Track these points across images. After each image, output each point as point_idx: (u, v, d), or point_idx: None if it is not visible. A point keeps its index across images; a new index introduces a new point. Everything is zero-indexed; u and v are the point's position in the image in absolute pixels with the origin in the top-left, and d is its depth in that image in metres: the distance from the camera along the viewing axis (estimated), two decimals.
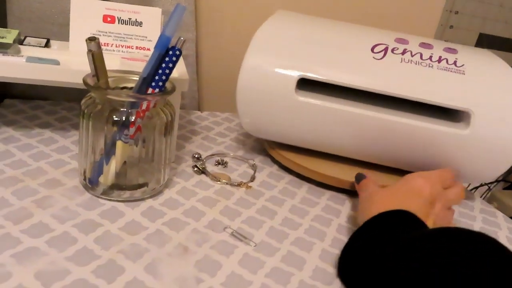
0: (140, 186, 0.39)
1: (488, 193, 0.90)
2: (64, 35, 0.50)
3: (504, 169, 0.44)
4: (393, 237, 0.31)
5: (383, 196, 0.38)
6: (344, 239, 0.38)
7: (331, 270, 0.34)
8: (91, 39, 0.34)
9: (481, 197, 0.92)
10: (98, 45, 0.34)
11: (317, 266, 0.34)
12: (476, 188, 0.90)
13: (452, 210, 0.40)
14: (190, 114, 0.61)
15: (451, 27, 0.83)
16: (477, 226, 0.45)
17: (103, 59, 0.36)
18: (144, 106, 0.36)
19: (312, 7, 0.71)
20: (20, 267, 0.29)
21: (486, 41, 0.87)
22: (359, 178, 0.43)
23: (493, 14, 0.85)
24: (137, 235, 0.34)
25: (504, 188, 0.93)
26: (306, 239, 0.37)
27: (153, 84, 0.37)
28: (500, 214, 0.49)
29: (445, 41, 0.84)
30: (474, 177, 0.46)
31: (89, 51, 0.34)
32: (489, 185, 0.90)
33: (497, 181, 0.92)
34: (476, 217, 0.47)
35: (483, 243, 0.28)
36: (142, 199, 0.39)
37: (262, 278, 0.32)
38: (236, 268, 0.32)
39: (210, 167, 0.47)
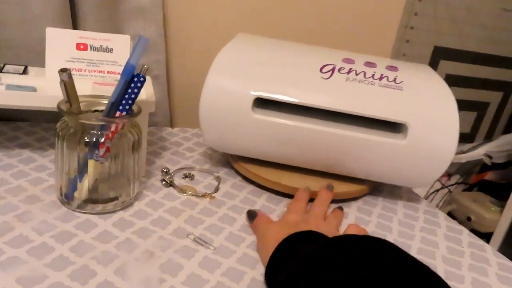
0: (112, 199, 0.43)
1: (448, 195, 0.97)
2: (40, 62, 0.54)
3: (438, 174, 0.50)
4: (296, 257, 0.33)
5: (275, 229, 0.40)
6: None
7: None
8: (63, 70, 0.38)
9: (442, 198, 0.98)
10: (70, 75, 0.39)
11: None
12: (437, 190, 0.97)
13: (333, 218, 0.45)
14: (162, 131, 0.66)
15: (407, 41, 0.90)
16: (418, 225, 0.50)
17: (74, 87, 0.40)
18: (113, 128, 0.41)
19: (271, 27, 0.77)
20: (3, 273, 0.33)
21: (440, 53, 0.94)
22: (252, 216, 0.44)
23: (446, 28, 0.92)
24: (108, 243, 0.38)
25: (464, 190, 0.99)
26: None
27: (121, 108, 0.41)
28: (441, 214, 0.54)
29: (402, 54, 0.91)
30: (413, 182, 0.51)
31: (62, 81, 0.39)
32: (449, 187, 0.97)
33: (457, 183, 0.98)
34: (419, 218, 0.52)
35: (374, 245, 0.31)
36: (114, 211, 0.43)
37: (219, 277, 0.36)
38: (196, 269, 0.37)
39: (178, 180, 0.52)
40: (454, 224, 0.52)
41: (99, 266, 0.35)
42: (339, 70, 0.51)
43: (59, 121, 0.42)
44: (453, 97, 0.50)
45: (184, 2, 0.69)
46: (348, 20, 0.82)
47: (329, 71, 0.51)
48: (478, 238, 0.49)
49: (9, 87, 0.45)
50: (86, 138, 0.40)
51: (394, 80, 0.51)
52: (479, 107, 1.04)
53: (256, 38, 0.58)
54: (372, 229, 0.48)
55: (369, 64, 0.53)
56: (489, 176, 0.97)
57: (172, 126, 0.73)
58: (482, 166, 0.97)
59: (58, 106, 0.40)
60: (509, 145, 0.92)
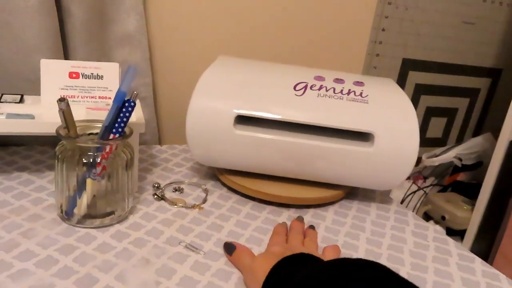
0: (108, 214, 0.47)
1: (424, 196, 1.03)
2: (35, 90, 0.58)
3: (403, 177, 0.55)
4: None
5: (262, 260, 0.40)
6: None
7: None
8: (61, 100, 0.43)
9: (419, 200, 1.04)
10: (67, 104, 0.43)
11: None
12: (414, 192, 1.03)
13: (310, 242, 0.47)
14: (151, 149, 0.70)
15: (377, 55, 0.97)
16: (389, 224, 0.56)
17: (71, 114, 0.44)
18: (107, 149, 0.45)
19: (249, 49, 0.83)
20: (15, 284, 0.36)
21: (408, 65, 1.01)
22: (230, 249, 0.44)
23: (412, 42, 0.99)
24: (107, 253, 0.42)
25: (438, 191, 1.06)
26: (246, 245, 0.47)
27: (114, 130, 0.46)
28: (410, 214, 0.59)
29: (374, 67, 0.97)
30: (381, 185, 0.57)
31: (60, 109, 0.43)
32: (424, 189, 1.02)
33: (431, 184, 1.04)
34: (390, 217, 0.58)
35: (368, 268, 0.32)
36: (111, 225, 0.47)
37: (209, 277, 0.41)
38: (188, 272, 0.41)
39: (168, 193, 0.56)
40: (421, 222, 0.57)
41: (101, 274, 0.39)
42: (311, 87, 0.57)
43: (58, 145, 0.46)
44: (413, 107, 0.56)
45: (166, 28, 0.74)
46: (322, 38, 0.88)
47: (302, 88, 0.56)
48: (443, 233, 0.55)
49: (10, 116, 0.49)
50: (83, 159, 0.44)
51: (361, 94, 0.56)
52: (448, 113, 1.11)
53: (235, 60, 0.63)
54: (347, 230, 0.53)
55: (338, 80, 0.59)
56: (461, 177, 1.04)
57: (160, 143, 0.77)
58: (453, 168, 1.03)
59: (57, 132, 0.44)
60: (477, 147, 0.99)
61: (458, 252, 0.50)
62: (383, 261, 0.47)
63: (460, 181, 1.03)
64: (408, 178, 1.07)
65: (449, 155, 0.98)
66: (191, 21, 0.76)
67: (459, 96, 1.10)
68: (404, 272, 0.45)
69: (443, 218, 0.94)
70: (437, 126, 1.11)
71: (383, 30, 0.94)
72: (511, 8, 1.04)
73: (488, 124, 1.15)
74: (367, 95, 0.56)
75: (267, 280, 0.36)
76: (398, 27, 0.96)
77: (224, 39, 0.80)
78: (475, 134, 1.14)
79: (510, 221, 0.86)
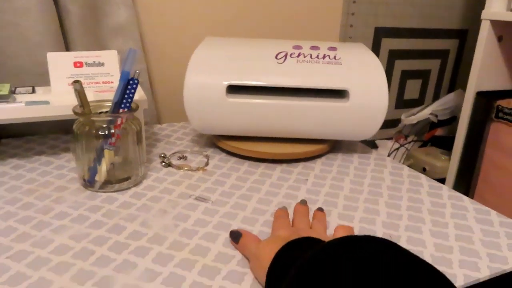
0: (125, 179, 0.54)
1: (406, 152, 1.11)
2: (44, 82, 0.65)
3: (377, 127, 0.63)
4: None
5: (267, 245, 0.38)
6: (276, 190, 0.55)
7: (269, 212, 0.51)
8: (76, 82, 0.49)
9: (402, 156, 1.12)
10: (81, 85, 0.50)
11: (256, 208, 0.51)
12: (397, 149, 1.11)
13: (318, 224, 0.45)
14: (153, 128, 0.77)
15: (351, 26, 1.04)
16: (369, 168, 0.63)
17: (85, 94, 0.51)
18: (119, 122, 0.52)
19: (232, 28, 0.89)
20: (57, 236, 0.43)
21: (381, 33, 1.08)
22: (236, 236, 0.43)
23: (382, 11, 1.07)
24: (130, 208, 0.49)
25: (419, 147, 1.14)
26: (247, 193, 0.54)
27: (123, 105, 0.53)
28: (388, 159, 0.67)
29: (349, 37, 1.05)
30: (357, 136, 0.64)
31: (75, 90, 0.50)
32: (406, 146, 1.11)
33: (412, 141, 1.13)
34: (370, 163, 0.65)
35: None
36: (128, 188, 0.54)
37: (218, 218, 0.48)
38: (200, 216, 0.48)
39: (174, 161, 0.63)
40: (398, 164, 0.65)
41: (127, 223, 0.46)
42: (290, 55, 0.64)
43: (74, 123, 0.53)
44: (381, 65, 0.63)
45: (155, 16, 0.81)
46: (298, 14, 0.95)
47: (282, 57, 0.63)
48: (412, 170, 0.63)
49: (28, 103, 0.56)
50: (100, 132, 0.51)
51: (334, 57, 0.64)
52: (422, 75, 1.19)
53: (221, 39, 0.70)
54: (334, 175, 0.61)
55: (314, 47, 0.66)
56: (439, 132, 1.12)
57: (160, 123, 0.84)
58: (431, 124, 1.11)
59: (74, 110, 0.51)
60: (450, 103, 1.07)
61: (430, 184, 0.59)
62: (364, 195, 0.55)
63: (438, 136, 1.12)
64: (391, 138, 1.15)
65: (426, 113, 1.06)
66: (176, 8, 0.83)
67: (431, 58, 1.18)
68: (382, 201, 0.53)
69: (424, 169, 1.03)
70: (413, 88, 1.19)
71: (354, 2, 1.01)
72: None
73: (460, 82, 1.24)
74: (340, 58, 0.64)
75: (272, 266, 0.35)
76: None
77: (209, 21, 0.86)
78: (449, 92, 1.23)
79: (483, 166, 0.95)
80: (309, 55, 0.64)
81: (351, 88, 0.61)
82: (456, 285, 0.36)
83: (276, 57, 0.63)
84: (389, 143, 1.12)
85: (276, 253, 0.36)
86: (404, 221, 0.49)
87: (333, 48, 0.66)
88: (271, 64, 0.62)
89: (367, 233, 0.45)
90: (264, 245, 0.39)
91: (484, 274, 0.39)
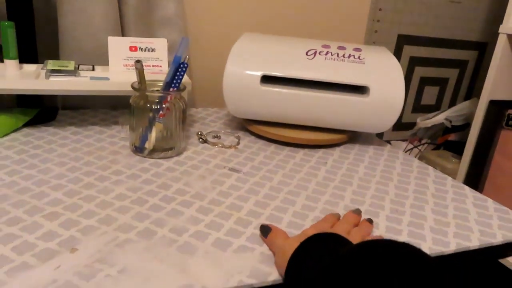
0: (169, 149, 0.63)
1: (419, 154, 1.17)
2: (101, 63, 0.74)
3: (392, 121, 0.70)
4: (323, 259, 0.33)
5: (293, 240, 0.39)
6: (298, 169, 0.63)
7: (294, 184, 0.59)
8: (138, 61, 0.58)
9: (415, 156, 1.19)
10: (141, 64, 0.59)
11: (281, 181, 0.59)
12: (411, 149, 1.17)
13: (358, 231, 0.44)
14: (189, 111, 0.86)
15: (376, 31, 1.11)
16: (383, 158, 0.71)
17: (144, 72, 0.60)
18: (168, 98, 0.61)
19: (269, 27, 0.98)
20: (116, 187, 0.52)
21: (403, 40, 1.15)
22: (265, 231, 0.43)
23: (406, 19, 1.13)
24: (174, 172, 0.58)
25: (432, 149, 1.20)
26: (273, 169, 0.62)
27: (173, 85, 0.62)
28: (401, 152, 0.75)
29: (373, 42, 1.12)
30: (374, 128, 0.72)
31: (136, 68, 0.59)
32: (419, 148, 1.17)
33: (426, 143, 1.19)
34: (384, 154, 0.73)
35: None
36: (171, 157, 0.63)
37: (249, 186, 0.56)
38: (233, 183, 0.56)
39: (209, 139, 0.72)
40: (410, 157, 0.73)
41: (173, 183, 0.55)
42: (319, 52, 0.72)
43: (131, 98, 0.62)
44: (400, 67, 0.71)
45: (199, 11, 0.90)
46: (328, 18, 1.03)
47: (312, 53, 0.71)
48: (422, 163, 0.70)
49: (92, 78, 0.65)
50: (152, 106, 0.60)
51: (359, 57, 0.71)
52: (440, 82, 1.26)
53: (258, 35, 0.78)
54: (350, 161, 0.68)
55: (341, 47, 0.74)
56: (452, 137, 1.18)
57: (195, 107, 0.93)
58: (445, 129, 1.17)
59: (132, 86, 0.60)
60: (465, 110, 1.13)
61: (436, 175, 0.66)
62: (376, 179, 0.62)
63: (451, 141, 1.18)
64: (406, 140, 1.22)
65: (440, 117, 1.12)
66: (219, 5, 0.91)
67: (450, 67, 1.24)
68: (392, 184, 0.61)
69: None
70: (430, 94, 1.25)
71: (380, 10, 1.09)
72: None
73: (477, 92, 1.29)
74: (364, 58, 0.71)
75: (292, 258, 0.36)
76: (393, 6, 1.10)
77: (247, 18, 0.95)
78: (465, 100, 1.28)
79: (491, 170, 1.01)
80: (336, 54, 0.72)
81: (371, 85, 0.68)
82: (448, 250, 0.44)
83: (306, 54, 0.71)
84: (403, 144, 1.19)
85: (299, 245, 0.36)
86: (410, 200, 0.56)
87: (358, 49, 0.73)
88: (301, 59, 0.70)
89: (376, 208, 0.53)
90: (292, 241, 0.39)
91: (474, 244, 0.46)
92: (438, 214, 0.53)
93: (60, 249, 0.39)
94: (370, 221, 0.47)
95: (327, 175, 0.62)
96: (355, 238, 0.40)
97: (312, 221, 0.48)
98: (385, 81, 0.69)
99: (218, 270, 0.38)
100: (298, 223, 0.48)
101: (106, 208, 0.47)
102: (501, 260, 0.99)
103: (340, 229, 0.42)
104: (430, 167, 0.69)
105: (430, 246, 0.45)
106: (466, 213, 0.54)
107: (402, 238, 0.47)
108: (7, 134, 0.65)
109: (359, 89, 0.70)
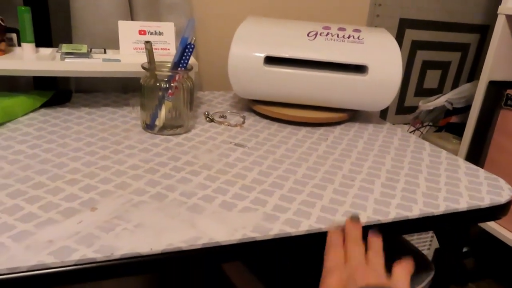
0: (178, 126, 0.67)
1: (421, 136, 1.20)
2: (112, 46, 0.78)
3: (390, 99, 0.73)
4: None
5: None
6: (300, 144, 0.66)
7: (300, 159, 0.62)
8: (147, 42, 0.62)
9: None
10: (151, 45, 0.62)
11: (283, 154, 0.62)
12: (413, 131, 1.20)
13: (375, 259, 0.41)
14: (196, 93, 0.89)
15: (378, 16, 1.13)
16: (381, 135, 0.74)
17: (153, 53, 0.64)
18: (177, 78, 0.64)
19: (272, 10, 1.00)
20: (130, 159, 0.56)
21: (405, 24, 1.17)
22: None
23: (408, 3, 1.15)
24: (183, 147, 0.62)
25: (434, 132, 1.23)
26: (277, 144, 0.66)
27: (180, 65, 0.65)
28: (399, 130, 0.78)
29: (375, 26, 1.14)
30: (373, 106, 0.75)
31: (146, 49, 0.62)
32: (421, 130, 1.20)
33: (427, 125, 1.22)
34: (383, 131, 0.76)
35: None
36: (180, 134, 0.67)
37: (253, 158, 0.60)
38: (239, 156, 0.60)
39: (216, 118, 0.75)
40: (406, 133, 0.76)
41: (182, 155, 0.59)
42: (320, 34, 0.75)
43: (142, 78, 0.65)
44: (397, 46, 0.73)
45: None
46: (331, 1, 1.05)
47: (313, 35, 0.74)
48: (419, 139, 0.73)
49: (105, 60, 0.69)
50: (162, 84, 0.64)
51: (358, 37, 0.74)
52: (442, 66, 1.27)
53: (261, 18, 0.81)
54: (350, 137, 0.71)
55: (341, 29, 0.76)
56: (453, 119, 1.20)
57: (202, 90, 0.96)
58: (446, 112, 1.20)
59: (143, 66, 0.64)
60: (466, 93, 1.15)
61: (432, 149, 0.69)
62: (374, 152, 0.65)
63: (453, 123, 1.20)
64: (407, 123, 1.24)
65: (441, 100, 1.15)
66: None
67: (452, 50, 1.26)
68: (389, 157, 0.64)
69: None
70: (433, 77, 1.27)
71: None
72: None
73: (478, 75, 1.31)
74: (363, 38, 0.74)
75: None
76: None
77: (251, 2, 0.98)
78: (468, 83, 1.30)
79: (490, 149, 1.04)
80: (336, 35, 0.74)
81: (369, 64, 0.71)
82: (437, 211, 0.47)
83: (307, 35, 0.74)
84: (406, 127, 1.21)
85: None
86: (405, 170, 0.59)
87: (357, 30, 0.76)
88: (303, 40, 0.73)
89: (372, 177, 0.56)
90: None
91: (462, 206, 0.50)
92: (431, 182, 0.56)
93: (81, 208, 0.43)
94: (376, 233, 0.43)
95: (327, 149, 0.65)
96: (377, 269, 0.39)
97: (311, 187, 0.52)
98: (383, 60, 0.72)
99: (224, 226, 0.42)
100: (298, 189, 0.51)
101: (121, 176, 0.51)
102: (488, 223, 1.02)
103: (356, 260, 0.40)
104: (427, 142, 0.72)
105: (420, 208, 0.49)
106: (457, 180, 0.57)
107: (395, 201, 0.50)
108: (26, 114, 0.69)
109: (359, 68, 0.73)
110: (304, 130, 0.73)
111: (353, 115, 0.81)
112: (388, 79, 0.71)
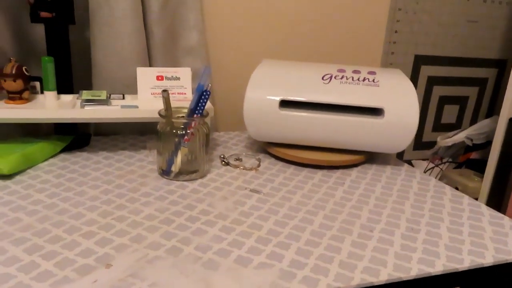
0: (194, 171, 0.67)
1: (440, 173, 1.17)
2: (131, 90, 0.80)
3: (408, 142, 0.72)
4: None
5: None
6: (317, 189, 0.65)
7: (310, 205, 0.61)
8: (164, 91, 0.63)
9: (437, 175, 1.19)
10: (168, 94, 0.64)
11: (299, 201, 0.61)
12: (432, 169, 1.18)
13: None
14: (212, 134, 0.90)
15: (392, 53, 1.14)
16: (400, 178, 0.72)
17: (170, 101, 0.65)
18: (193, 124, 0.65)
19: (286, 53, 1.02)
20: (145, 207, 0.56)
21: (420, 60, 1.17)
22: None
23: (422, 40, 1.16)
24: (198, 194, 0.62)
25: (454, 168, 1.20)
26: (292, 189, 0.65)
27: (197, 112, 0.66)
28: (418, 171, 0.76)
29: (390, 64, 1.14)
30: (389, 148, 0.74)
31: (163, 97, 0.63)
32: (440, 167, 1.17)
33: (447, 162, 1.19)
34: (401, 174, 0.74)
35: None
36: (195, 179, 0.67)
37: (269, 206, 0.59)
38: (254, 203, 0.60)
39: (231, 161, 0.75)
40: (427, 176, 0.74)
41: (197, 204, 0.59)
42: (335, 77, 0.75)
43: (158, 124, 0.66)
44: (414, 88, 0.73)
45: (221, 40, 0.95)
46: (344, 41, 1.06)
47: (328, 78, 0.75)
48: (443, 184, 0.71)
49: (123, 106, 0.70)
50: (178, 131, 0.64)
51: (373, 80, 0.74)
52: (460, 101, 1.26)
53: (276, 61, 0.82)
54: (367, 181, 0.70)
55: (356, 71, 0.77)
56: (473, 155, 1.18)
57: (218, 131, 0.97)
58: (466, 148, 1.17)
59: (159, 113, 0.65)
60: (485, 128, 1.13)
61: (453, 193, 0.67)
62: (393, 198, 0.64)
63: (473, 159, 1.17)
64: (427, 159, 1.22)
65: (461, 136, 1.13)
66: (238, 34, 0.97)
67: (469, 85, 1.25)
68: (408, 203, 0.62)
69: (457, 188, 1.09)
70: (450, 112, 1.26)
71: (396, 32, 1.11)
72: (510, 6, 1.19)
73: (497, 110, 1.29)
74: (378, 81, 0.74)
75: None
76: (409, 28, 1.12)
77: (265, 45, 0.99)
78: (486, 118, 1.28)
79: None
80: (351, 78, 0.75)
81: (385, 106, 0.71)
82: (461, 266, 0.45)
83: (322, 78, 0.75)
84: (424, 164, 1.19)
85: None
86: (425, 218, 0.58)
87: (372, 73, 0.76)
88: (318, 84, 0.74)
89: (392, 226, 0.54)
90: None
91: (488, 261, 0.48)
92: (453, 232, 0.54)
93: (97, 265, 0.43)
94: None
95: (344, 195, 0.64)
96: None
97: (329, 239, 0.51)
98: (399, 103, 0.71)
99: (240, 285, 0.41)
100: (315, 241, 0.50)
101: (137, 227, 0.51)
102: None
103: None
104: (447, 186, 0.70)
105: (444, 263, 0.47)
106: (481, 230, 0.55)
107: (417, 255, 0.48)
108: (46, 160, 0.71)
109: (375, 111, 0.73)
110: (320, 174, 0.72)
111: (370, 156, 0.80)
112: (404, 121, 0.71)
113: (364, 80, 0.74)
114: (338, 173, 0.73)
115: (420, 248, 0.50)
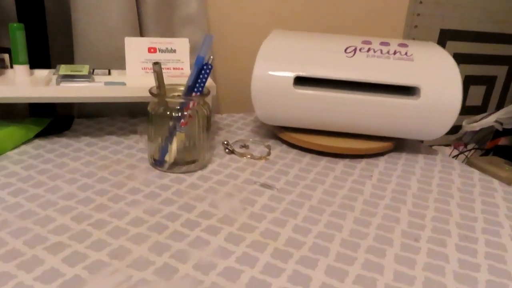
0: (193, 161, 0.56)
1: (466, 161, 1.06)
2: (118, 66, 0.68)
3: (447, 128, 0.60)
4: None
5: None
6: (341, 183, 0.54)
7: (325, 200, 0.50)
8: (156, 63, 0.51)
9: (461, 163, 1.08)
10: (160, 67, 0.52)
11: (321, 199, 0.50)
12: (456, 156, 1.07)
13: None
14: (214, 117, 0.78)
15: (416, 26, 1.01)
16: (436, 169, 0.61)
17: (162, 76, 0.53)
18: (191, 105, 0.53)
19: (299, 23, 0.89)
20: (131, 208, 0.45)
21: (446, 35, 1.04)
22: None
23: (449, 12, 1.03)
24: (198, 189, 0.51)
25: (480, 155, 1.09)
26: (311, 184, 0.54)
27: (195, 89, 0.54)
28: (456, 162, 0.65)
29: (412, 38, 1.02)
30: (427, 135, 0.62)
31: (154, 71, 0.52)
32: (465, 154, 1.06)
33: (473, 148, 1.08)
34: (437, 164, 0.63)
35: None
36: (195, 171, 0.56)
37: (285, 205, 0.48)
38: (267, 202, 0.49)
39: (237, 149, 0.64)
40: (468, 168, 0.63)
41: (196, 203, 0.47)
42: (360, 49, 0.63)
43: (149, 104, 0.55)
44: (455, 63, 0.61)
45: (223, 9, 0.82)
46: (363, 12, 0.94)
47: (352, 51, 0.63)
48: (489, 178, 0.60)
49: (107, 83, 0.58)
50: (173, 113, 0.53)
51: (406, 53, 0.62)
52: (487, 81, 1.14)
53: (289, 32, 0.70)
54: (399, 173, 0.59)
55: (384, 43, 0.65)
56: (502, 141, 1.07)
57: (220, 113, 0.85)
58: (495, 133, 1.06)
59: (150, 91, 0.53)
60: None
61: (504, 189, 0.56)
62: (434, 195, 0.53)
63: (502, 145, 1.06)
64: (449, 145, 1.11)
65: (490, 120, 1.01)
66: (244, 1, 0.84)
67: (498, 64, 1.13)
68: (454, 202, 0.51)
69: None
70: (476, 94, 1.14)
71: (421, 2, 0.99)
72: None
73: None
74: (412, 54, 0.62)
75: None
76: None
77: (276, 14, 0.87)
78: None
79: None
80: (380, 50, 0.63)
81: (422, 85, 0.59)
82: None
83: (345, 51, 0.63)
84: (447, 150, 1.08)
85: None
86: (480, 223, 0.47)
87: (404, 45, 0.64)
88: (340, 57, 0.62)
89: (441, 234, 0.43)
90: None
91: None
92: None
93: None
94: None
95: (374, 191, 0.53)
96: None
97: (365, 253, 0.40)
98: (438, 81, 0.60)
99: None
100: (347, 255, 0.39)
101: (119, 236, 0.40)
102: None
103: None
104: (495, 180, 0.59)
105: None
106: None
107: (483, 276, 0.37)
108: (17, 147, 0.59)
109: (408, 90, 0.61)
110: (341, 164, 0.61)
111: (398, 144, 0.68)
112: (444, 103, 0.59)
113: (395, 53, 0.62)
114: (363, 163, 0.62)
115: (484, 265, 0.39)
